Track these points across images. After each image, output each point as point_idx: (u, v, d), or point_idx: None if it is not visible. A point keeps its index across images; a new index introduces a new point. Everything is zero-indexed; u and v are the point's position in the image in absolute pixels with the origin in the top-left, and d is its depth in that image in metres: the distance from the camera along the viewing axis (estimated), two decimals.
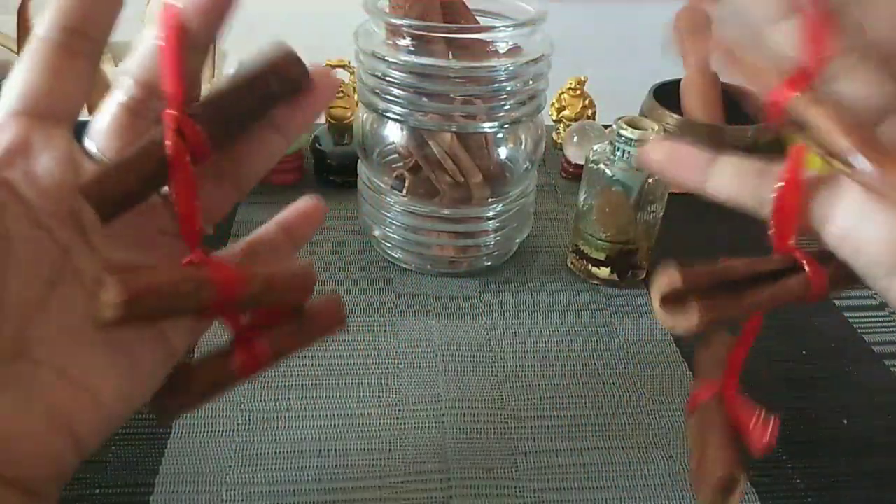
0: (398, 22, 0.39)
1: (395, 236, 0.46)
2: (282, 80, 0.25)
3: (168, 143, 0.23)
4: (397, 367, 0.39)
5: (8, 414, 0.21)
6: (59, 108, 0.24)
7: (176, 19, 0.23)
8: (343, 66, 0.58)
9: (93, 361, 0.23)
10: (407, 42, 0.40)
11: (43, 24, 0.23)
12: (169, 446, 0.34)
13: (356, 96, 0.48)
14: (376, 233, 0.47)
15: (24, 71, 0.23)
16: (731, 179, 0.27)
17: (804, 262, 0.26)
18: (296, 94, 0.25)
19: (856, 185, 0.24)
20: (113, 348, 0.23)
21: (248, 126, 0.26)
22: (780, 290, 0.26)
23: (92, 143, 0.24)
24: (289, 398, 0.37)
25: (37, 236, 0.23)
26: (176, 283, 0.23)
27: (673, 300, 0.25)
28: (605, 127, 0.58)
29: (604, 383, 0.39)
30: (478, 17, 0.43)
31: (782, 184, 0.25)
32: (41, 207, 0.23)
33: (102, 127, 0.24)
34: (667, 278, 0.25)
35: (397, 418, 0.36)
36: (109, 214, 0.23)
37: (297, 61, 0.24)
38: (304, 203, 0.30)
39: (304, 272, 0.26)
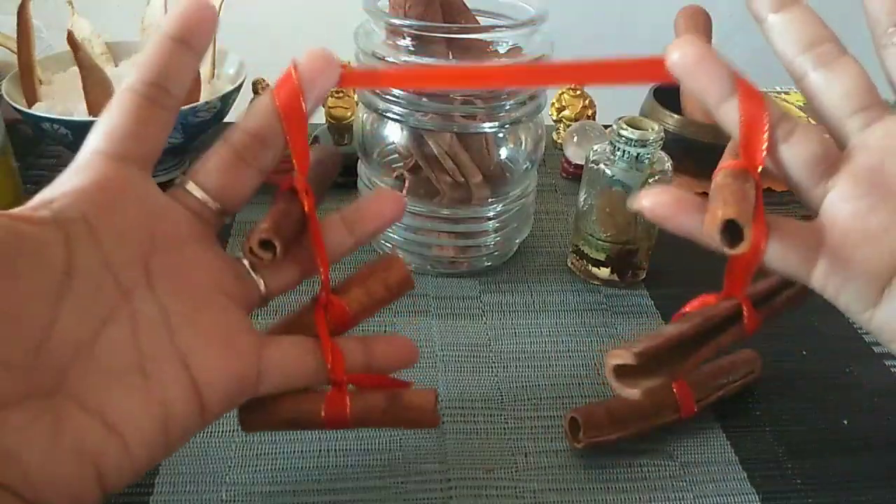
0: (398, 22, 0.39)
1: (395, 236, 0.46)
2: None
3: (306, 204, 0.28)
4: None
5: (38, 444, 0.21)
6: (139, 152, 0.26)
7: (298, 88, 0.27)
8: (343, 67, 0.58)
9: (129, 407, 0.23)
10: (407, 42, 0.40)
11: (130, 76, 0.26)
12: None
13: (356, 96, 0.48)
14: None
15: (111, 116, 0.25)
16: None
17: (745, 308, 0.30)
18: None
19: (830, 232, 0.27)
20: (150, 397, 0.24)
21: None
22: (721, 342, 0.30)
23: (196, 187, 0.27)
24: None
25: (101, 276, 0.24)
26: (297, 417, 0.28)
27: (626, 373, 0.27)
28: (605, 127, 0.58)
29: (603, 383, 0.39)
30: (478, 17, 0.43)
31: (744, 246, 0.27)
32: (113, 248, 0.24)
33: (209, 169, 0.27)
34: (619, 358, 0.27)
35: None
36: (280, 252, 0.27)
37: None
38: (379, 196, 0.31)
39: (429, 404, 0.29)
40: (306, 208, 0.28)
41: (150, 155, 0.26)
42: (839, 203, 0.28)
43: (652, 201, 0.27)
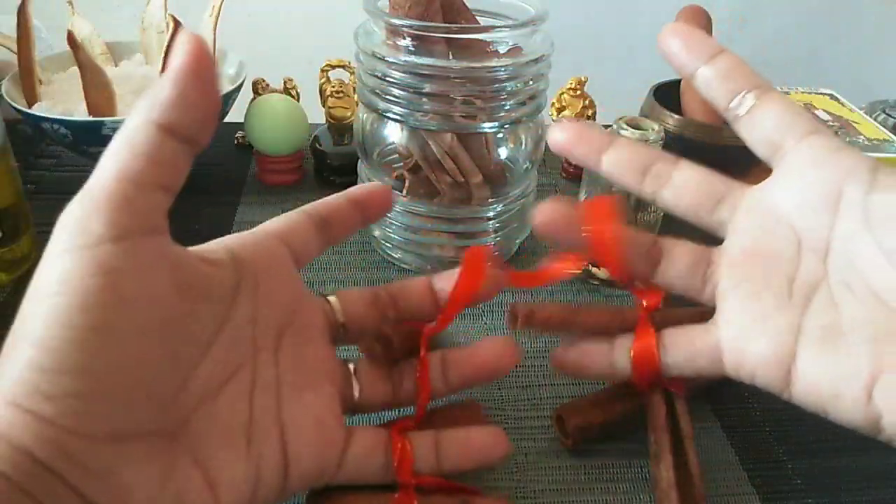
0: (398, 22, 0.39)
1: (395, 236, 0.46)
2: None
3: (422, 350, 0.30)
4: None
5: (147, 485, 0.21)
6: (296, 252, 0.29)
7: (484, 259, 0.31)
8: (343, 66, 0.58)
9: (231, 468, 0.24)
10: (407, 42, 0.40)
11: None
12: None
13: (356, 96, 0.48)
14: (376, 233, 0.47)
15: (286, 220, 0.30)
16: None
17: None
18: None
19: (725, 328, 0.28)
20: (249, 462, 0.24)
21: None
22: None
23: (337, 303, 0.29)
24: None
25: (245, 330, 0.25)
26: None
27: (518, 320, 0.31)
28: (606, 127, 0.58)
29: (603, 383, 0.39)
30: (478, 17, 0.43)
31: (636, 346, 0.30)
32: (264, 308, 0.26)
33: (355, 299, 0.29)
34: (522, 312, 0.30)
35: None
36: (384, 351, 0.30)
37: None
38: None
39: None
40: (422, 353, 0.30)
41: (302, 261, 0.29)
42: (723, 295, 0.28)
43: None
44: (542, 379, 0.39)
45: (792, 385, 0.26)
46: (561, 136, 0.30)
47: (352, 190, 0.32)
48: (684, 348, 0.29)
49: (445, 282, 0.30)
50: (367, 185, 0.33)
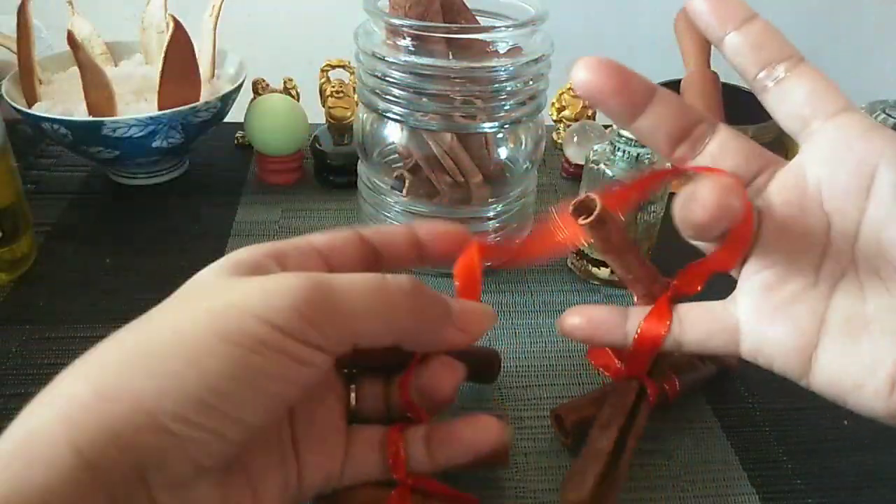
0: (398, 22, 0.39)
1: None
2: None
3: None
4: None
5: (210, 499, 0.22)
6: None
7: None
8: (343, 66, 0.58)
9: (271, 480, 0.25)
10: (407, 42, 0.40)
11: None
12: None
13: (356, 96, 0.48)
14: None
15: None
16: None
17: (647, 386, 0.33)
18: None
19: (745, 309, 0.27)
20: (283, 473, 0.26)
21: None
22: (639, 426, 0.33)
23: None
24: None
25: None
26: None
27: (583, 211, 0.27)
28: (605, 127, 0.58)
29: (603, 383, 0.39)
30: (478, 17, 0.43)
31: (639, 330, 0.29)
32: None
33: (368, 394, 0.29)
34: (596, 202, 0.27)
35: None
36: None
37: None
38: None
39: None
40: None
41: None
42: (747, 276, 0.27)
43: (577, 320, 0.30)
44: (542, 379, 0.39)
45: (812, 374, 0.26)
46: (588, 76, 0.25)
47: (419, 226, 0.29)
48: (702, 326, 0.28)
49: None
50: (439, 224, 0.30)
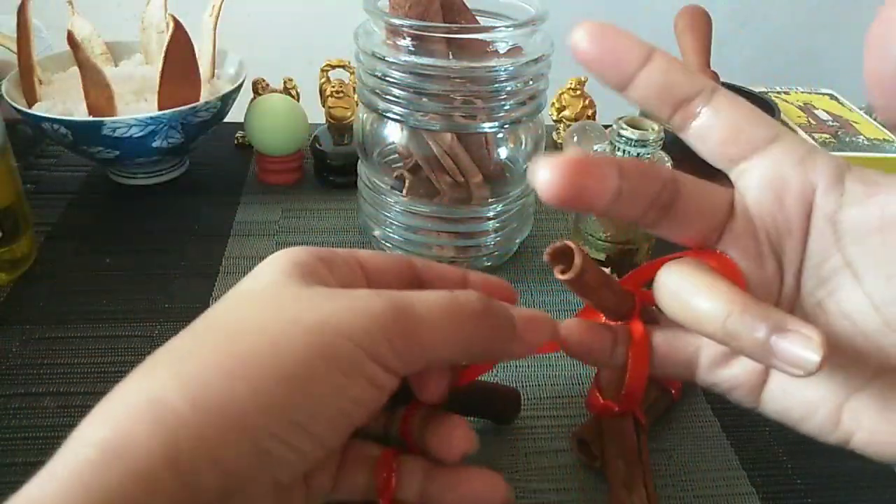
0: (398, 22, 0.39)
1: (395, 236, 0.46)
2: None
3: None
4: None
5: None
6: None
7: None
8: (343, 66, 0.58)
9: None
10: (407, 42, 0.40)
11: None
12: None
13: (356, 96, 0.48)
14: (376, 233, 0.47)
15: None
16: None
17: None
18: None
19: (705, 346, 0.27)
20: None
21: None
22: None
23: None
24: None
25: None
26: None
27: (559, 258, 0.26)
28: (605, 127, 0.58)
29: None
30: (478, 17, 0.43)
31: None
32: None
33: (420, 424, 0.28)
34: (576, 256, 0.25)
35: None
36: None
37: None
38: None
39: None
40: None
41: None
42: None
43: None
44: (542, 379, 0.39)
45: (762, 405, 0.26)
46: (585, 41, 0.23)
47: (472, 272, 0.30)
48: (673, 357, 0.28)
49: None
50: (492, 278, 0.30)
